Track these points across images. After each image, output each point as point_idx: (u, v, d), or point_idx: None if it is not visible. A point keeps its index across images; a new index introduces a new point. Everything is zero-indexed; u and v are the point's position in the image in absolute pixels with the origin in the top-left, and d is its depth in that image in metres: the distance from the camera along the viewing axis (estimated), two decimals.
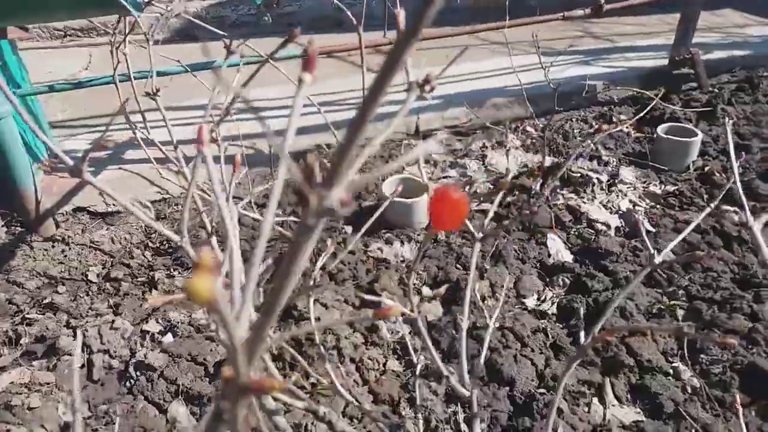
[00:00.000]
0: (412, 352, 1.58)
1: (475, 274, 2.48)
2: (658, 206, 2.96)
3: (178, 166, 1.07)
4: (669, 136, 3.23)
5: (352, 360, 2.07)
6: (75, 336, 2.13)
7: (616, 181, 3.12)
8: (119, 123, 3.20)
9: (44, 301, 2.35)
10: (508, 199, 3.05)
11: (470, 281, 0.98)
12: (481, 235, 0.97)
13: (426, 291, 2.45)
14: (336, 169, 0.26)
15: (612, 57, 4.29)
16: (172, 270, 2.53)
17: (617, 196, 3.02)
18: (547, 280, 2.57)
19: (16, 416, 1.83)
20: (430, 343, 0.95)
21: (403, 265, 2.60)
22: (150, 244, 2.72)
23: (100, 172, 2.93)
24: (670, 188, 3.10)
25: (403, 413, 1.93)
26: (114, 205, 2.90)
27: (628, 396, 2.02)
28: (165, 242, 2.69)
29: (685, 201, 3.01)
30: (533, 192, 3.07)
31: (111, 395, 1.98)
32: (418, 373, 1.57)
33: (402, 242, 2.76)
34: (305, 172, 0.26)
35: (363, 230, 1.30)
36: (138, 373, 2.03)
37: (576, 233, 2.81)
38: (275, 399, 0.94)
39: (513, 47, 3.51)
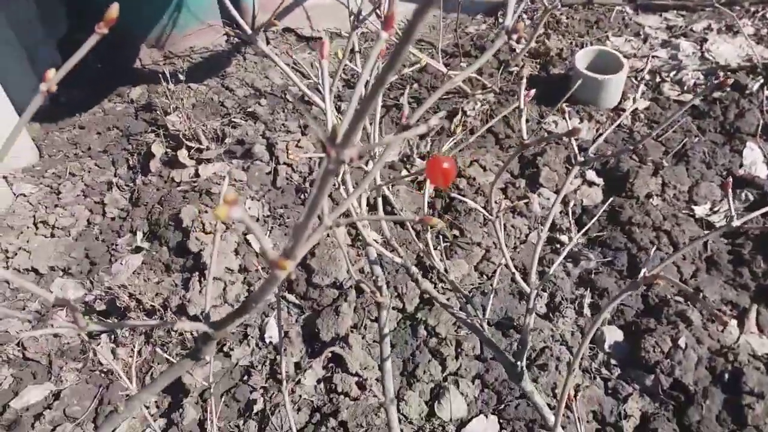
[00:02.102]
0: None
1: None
2: None
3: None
4: None
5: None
6: (268, 146, 2.47)
7: None
8: None
9: (248, 110, 2.70)
10: (716, 95, 2.75)
11: (558, 197, 1.00)
12: (582, 159, 0.97)
13: (591, 175, 2.41)
14: (348, 135, 0.35)
15: None
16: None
17: None
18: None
19: (213, 201, 2.24)
20: (503, 239, 1.02)
21: (575, 144, 2.55)
22: (343, 75, 2.92)
23: None
24: None
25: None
26: (318, 30, 3.10)
27: None
28: (354, 76, 2.87)
29: None
30: (748, 92, 2.73)
31: (287, 202, 2.32)
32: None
33: (581, 119, 2.67)
34: (331, 134, 0.36)
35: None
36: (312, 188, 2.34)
37: None
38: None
39: None
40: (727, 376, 1.78)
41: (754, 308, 1.96)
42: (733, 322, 1.95)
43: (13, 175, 2.41)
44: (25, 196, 2.35)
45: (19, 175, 2.43)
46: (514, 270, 1.02)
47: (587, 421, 1.72)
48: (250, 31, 0.88)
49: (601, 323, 1.98)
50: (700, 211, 2.32)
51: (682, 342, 1.83)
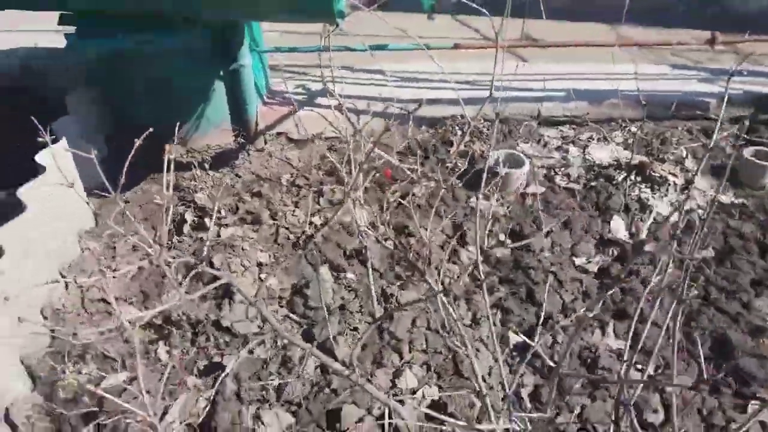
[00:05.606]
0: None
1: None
2: (720, 213, 3.59)
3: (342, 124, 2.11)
4: (751, 157, 3.80)
5: (437, 268, 3.11)
6: (271, 215, 3.38)
7: (691, 186, 3.78)
8: (315, 76, 4.40)
9: (254, 190, 3.62)
10: (593, 184, 3.83)
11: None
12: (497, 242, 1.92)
13: (501, 237, 3.40)
14: None
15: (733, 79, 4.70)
16: (335, 189, 3.70)
17: (686, 197, 3.68)
18: (600, 248, 3.39)
19: (235, 252, 3.10)
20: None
21: (491, 216, 3.55)
22: (322, 167, 3.90)
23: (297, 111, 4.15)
24: (738, 201, 3.70)
25: (459, 310, 2.94)
26: (303, 134, 4.11)
27: (624, 335, 2.86)
28: (331, 168, 3.85)
29: (747, 213, 3.61)
30: (615, 182, 3.83)
31: (287, 253, 3.20)
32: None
33: (497, 199, 3.69)
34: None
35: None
36: (305, 245, 3.23)
37: (639, 220, 3.56)
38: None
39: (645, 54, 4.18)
40: (589, 360, 2.69)
41: (612, 322, 2.91)
42: (597, 330, 2.89)
43: (80, 236, 3.23)
44: (89, 249, 3.15)
45: (84, 235, 3.25)
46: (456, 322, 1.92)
47: (497, 390, 2.58)
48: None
49: (508, 330, 2.88)
50: (579, 261, 3.31)
51: (560, 339, 2.75)
